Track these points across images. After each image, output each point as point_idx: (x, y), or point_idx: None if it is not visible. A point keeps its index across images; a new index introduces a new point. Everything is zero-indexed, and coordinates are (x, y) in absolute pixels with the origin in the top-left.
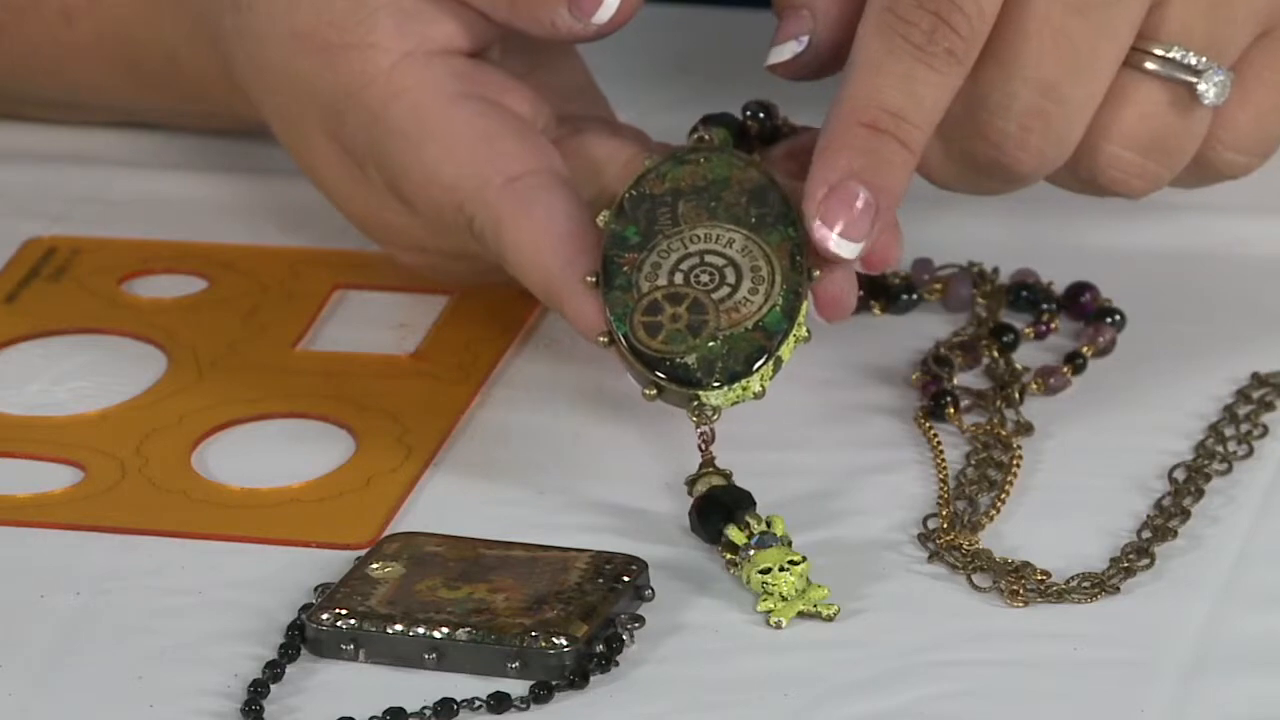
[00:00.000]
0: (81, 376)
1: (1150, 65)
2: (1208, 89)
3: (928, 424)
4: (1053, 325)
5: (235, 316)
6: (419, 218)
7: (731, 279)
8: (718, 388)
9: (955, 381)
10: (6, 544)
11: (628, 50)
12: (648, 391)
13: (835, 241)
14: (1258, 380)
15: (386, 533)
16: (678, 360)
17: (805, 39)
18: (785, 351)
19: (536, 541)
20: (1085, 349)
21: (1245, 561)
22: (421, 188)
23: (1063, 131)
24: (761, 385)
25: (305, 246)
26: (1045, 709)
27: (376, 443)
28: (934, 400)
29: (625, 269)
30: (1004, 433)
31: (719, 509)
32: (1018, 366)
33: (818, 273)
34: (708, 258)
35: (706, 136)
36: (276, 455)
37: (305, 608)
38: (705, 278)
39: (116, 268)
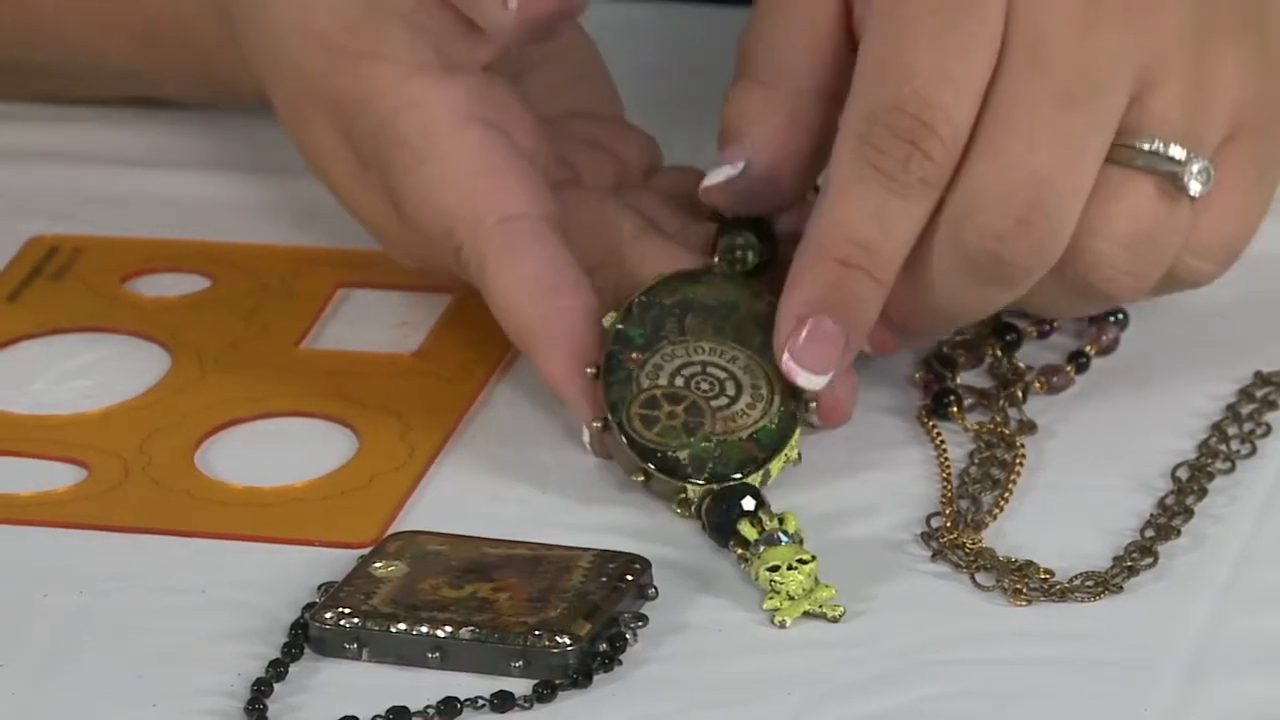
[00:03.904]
0: (84, 375)
1: (1135, 160)
2: (1192, 179)
3: (931, 423)
4: (1055, 324)
5: (238, 315)
6: (411, 229)
7: (731, 391)
8: (704, 485)
9: (958, 380)
10: (9, 543)
11: (628, 50)
12: (635, 478)
13: (805, 377)
14: (1260, 379)
15: (389, 531)
16: (669, 453)
17: (741, 165)
18: (774, 467)
19: (540, 540)
20: (1088, 348)
21: (1248, 560)
22: (417, 204)
23: (1059, 223)
24: None
25: (308, 245)
26: (1048, 708)
27: (379, 441)
28: (937, 399)
29: (627, 365)
30: (1007, 431)
31: (730, 507)
32: (1020, 365)
33: (815, 404)
34: (710, 369)
35: (739, 247)
36: (279, 454)
37: (308, 607)
38: (705, 385)
39: (119, 266)
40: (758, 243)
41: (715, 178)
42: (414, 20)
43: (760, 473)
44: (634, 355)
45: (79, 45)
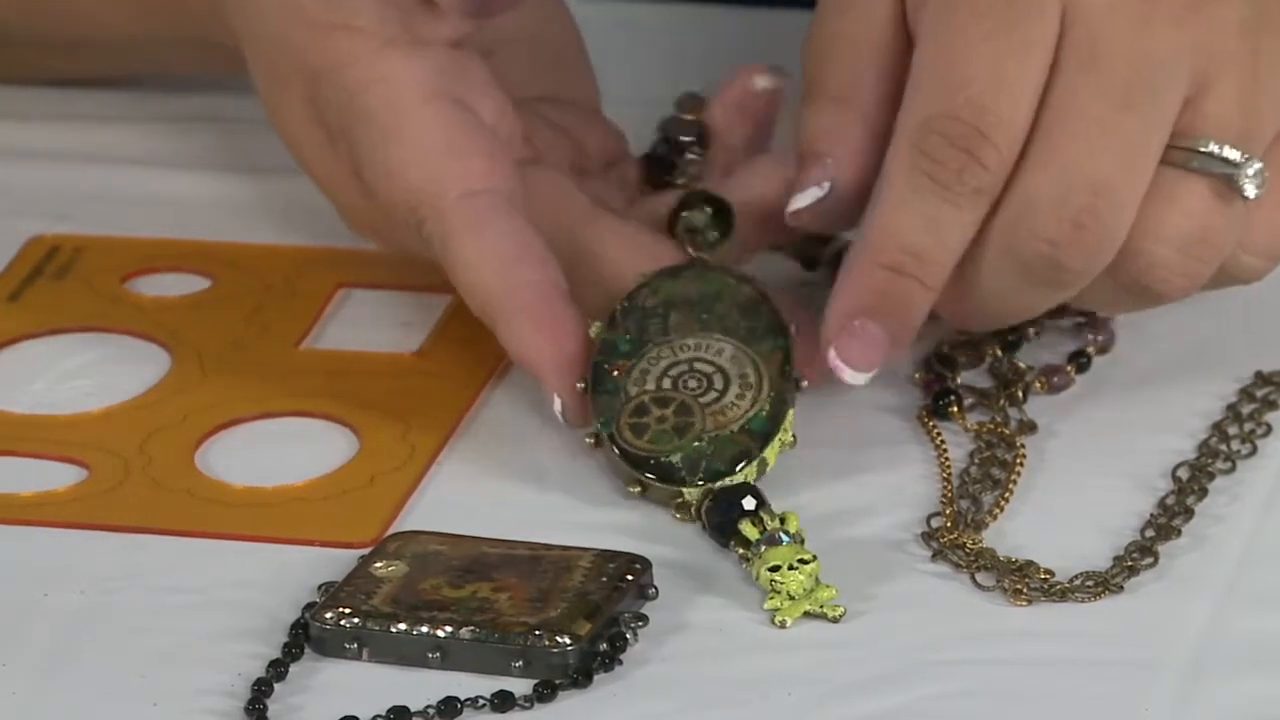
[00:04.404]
0: (85, 375)
1: (1191, 162)
2: (1247, 181)
3: (931, 423)
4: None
5: (239, 315)
6: (375, 204)
7: (719, 385)
8: (701, 486)
9: (958, 380)
10: (10, 543)
11: (627, 50)
12: (632, 489)
13: (850, 374)
14: (1261, 379)
15: (390, 531)
16: (663, 459)
17: (828, 184)
18: (770, 455)
19: (540, 540)
20: (1089, 348)
21: (1249, 560)
22: (382, 180)
23: (1114, 228)
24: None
25: (309, 245)
26: (1048, 708)
27: (380, 441)
28: (937, 399)
29: (614, 374)
30: (1007, 431)
31: (730, 507)
32: (1020, 365)
33: (806, 383)
34: (696, 365)
35: (699, 227)
36: (280, 454)
37: (309, 606)
38: (693, 383)
39: (120, 266)
40: (715, 218)
41: (803, 200)
42: None
43: (756, 463)
44: (620, 363)
45: (80, 16)
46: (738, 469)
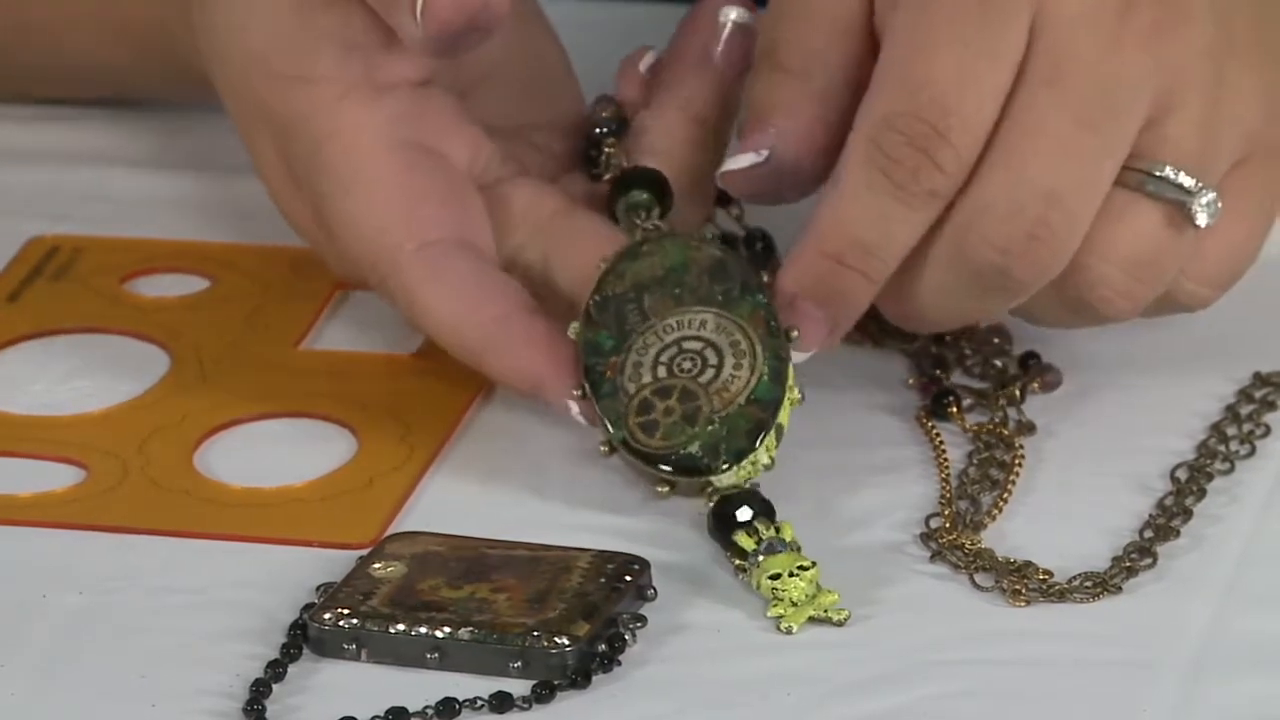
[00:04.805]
0: (84, 376)
1: (1145, 184)
2: (1200, 210)
3: (930, 423)
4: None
5: (237, 315)
6: (339, 254)
7: (714, 360)
8: (727, 469)
9: (953, 379)
10: (9, 543)
11: (623, 51)
12: (661, 489)
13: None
14: (1260, 379)
15: (389, 532)
16: (682, 452)
17: (765, 153)
18: (783, 418)
19: (539, 541)
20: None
21: (1248, 561)
22: (340, 234)
23: (1066, 241)
24: (770, 457)
25: (307, 246)
26: (1047, 709)
27: (379, 442)
28: (936, 400)
29: (608, 375)
30: (1006, 432)
31: (726, 519)
32: (1002, 366)
33: (796, 333)
34: (685, 344)
35: (639, 206)
36: (279, 455)
37: (307, 607)
38: (688, 364)
39: (119, 267)
40: (654, 198)
41: (738, 163)
42: (345, 37)
43: (773, 431)
44: (611, 362)
45: (72, 47)
46: (758, 443)
